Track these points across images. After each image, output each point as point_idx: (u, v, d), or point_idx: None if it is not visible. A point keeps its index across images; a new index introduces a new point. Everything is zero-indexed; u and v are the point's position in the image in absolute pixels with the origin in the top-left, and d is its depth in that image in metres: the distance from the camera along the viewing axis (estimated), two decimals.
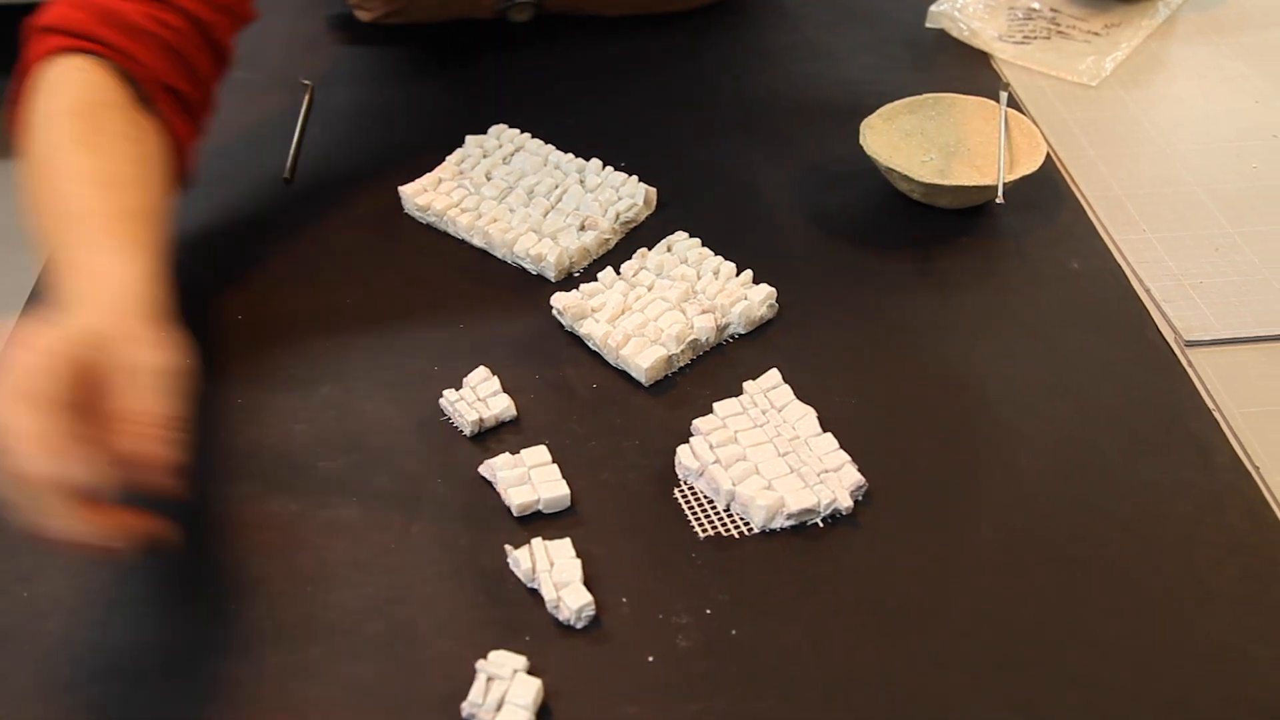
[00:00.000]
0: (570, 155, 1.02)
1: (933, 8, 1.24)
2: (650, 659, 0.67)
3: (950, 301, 0.91)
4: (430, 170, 1.02)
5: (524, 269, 0.94)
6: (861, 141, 0.99)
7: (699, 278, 0.90)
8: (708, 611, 0.70)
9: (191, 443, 0.79)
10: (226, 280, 0.93)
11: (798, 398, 0.81)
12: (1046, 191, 1.01)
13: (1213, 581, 0.71)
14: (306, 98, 1.12)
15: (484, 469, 0.78)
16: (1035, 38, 1.22)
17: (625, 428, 0.81)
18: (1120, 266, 0.94)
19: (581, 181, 0.99)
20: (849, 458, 0.77)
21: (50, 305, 0.69)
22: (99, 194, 0.75)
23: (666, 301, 0.87)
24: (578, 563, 0.71)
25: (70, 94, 0.80)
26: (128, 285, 0.69)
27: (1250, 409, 0.82)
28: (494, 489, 0.77)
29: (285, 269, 0.94)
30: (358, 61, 1.19)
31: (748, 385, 0.82)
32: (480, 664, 0.66)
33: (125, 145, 0.80)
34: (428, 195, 0.98)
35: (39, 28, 0.84)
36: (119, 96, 0.82)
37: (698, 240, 0.93)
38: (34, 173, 0.78)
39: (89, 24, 0.82)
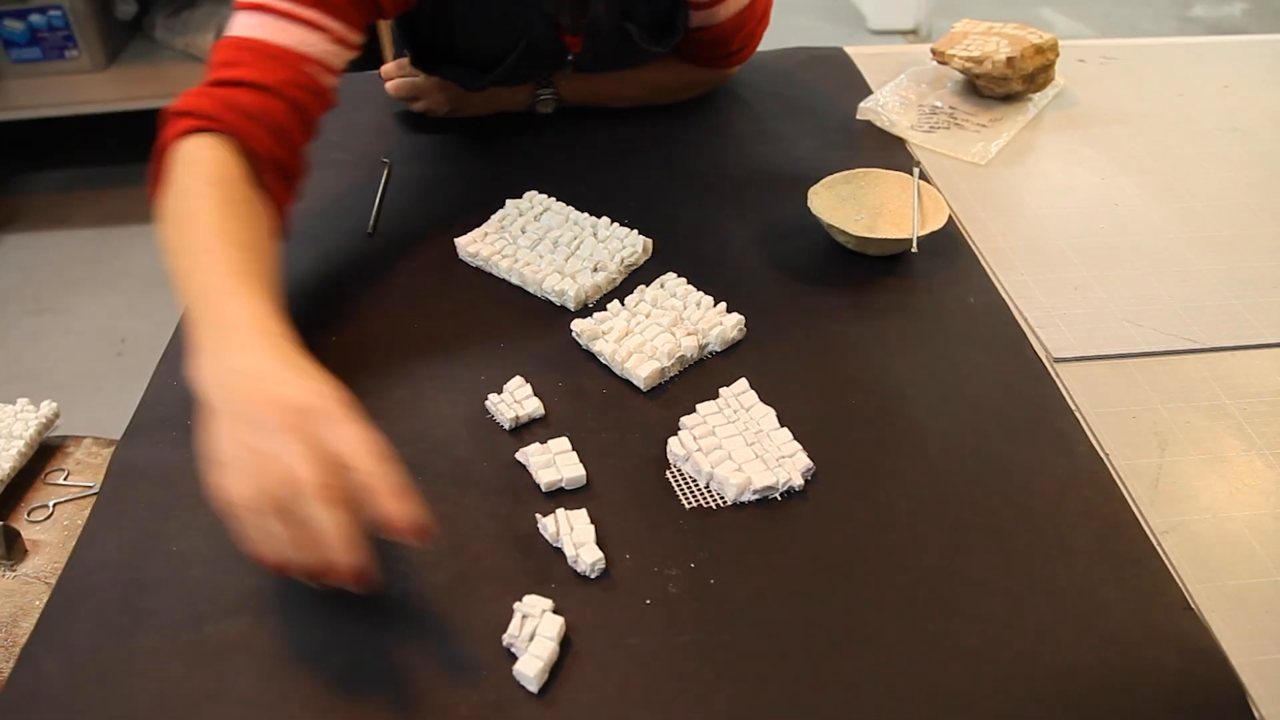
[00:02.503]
0: (586, 214, 1.02)
1: (861, 104, 1.24)
2: (648, 601, 0.67)
3: (877, 327, 0.90)
4: (479, 226, 1.01)
5: (550, 301, 0.93)
6: (808, 204, 0.98)
7: (685, 308, 0.89)
8: (692, 565, 0.69)
9: None
10: (323, 310, 0.92)
11: (761, 400, 0.81)
12: (949, 244, 1.01)
13: (1072, 540, 0.71)
14: (386, 171, 1.12)
15: (519, 455, 0.77)
16: (938, 128, 1.22)
17: (628, 423, 0.81)
18: (1004, 300, 0.94)
19: (594, 234, 0.99)
20: (800, 447, 0.76)
21: (207, 341, 0.67)
22: (244, 255, 0.74)
23: (660, 326, 0.87)
24: (591, 527, 0.71)
25: (206, 167, 0.79)
26: (286, 342, 0.67)
27: (1102, 410, 0.82)
28: (527, 470, 0.76)
29: (367, 302, 0.94)
30: (424, 144, 1.19)
31: (723, 391, 0.82)
32: (517, 605, 0.66)
33: (252, 213, 0.80)
34: (476, 245, 0.98)
35: (174, 112, 0.83)
36: (240, 171, 0.81)
37: (684, 279, 0.93)
38: (180, 230, 0.77)
39: (216, 109, 0.82)
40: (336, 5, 0.90)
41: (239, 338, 0.66)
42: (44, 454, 1.04)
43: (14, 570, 0.94)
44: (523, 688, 0.62)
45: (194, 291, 0.72)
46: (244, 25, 0.88)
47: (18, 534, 0.95)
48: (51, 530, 0.97)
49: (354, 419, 0.61)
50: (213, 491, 0.61)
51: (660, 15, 1.12)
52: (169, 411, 0.82)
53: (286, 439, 0.59)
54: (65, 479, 1.02)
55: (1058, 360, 0.87)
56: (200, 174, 0.79)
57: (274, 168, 0.85)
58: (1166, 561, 0.70)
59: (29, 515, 0.99)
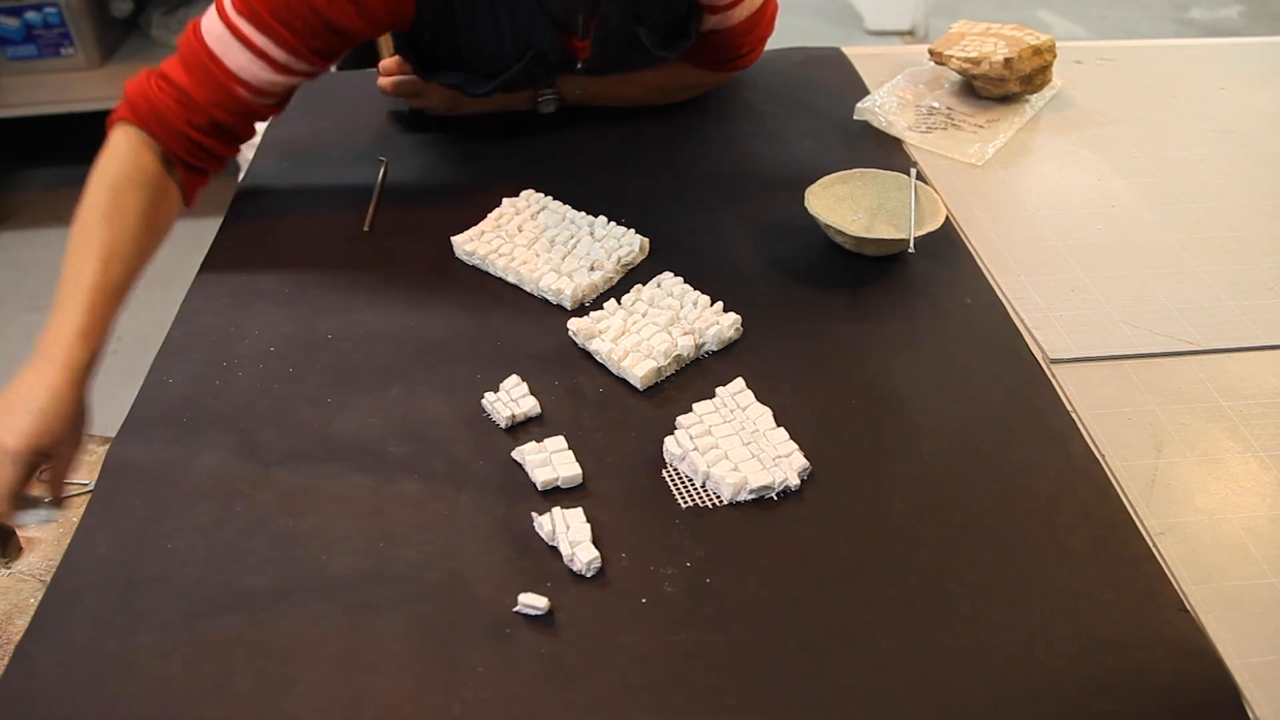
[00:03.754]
0: (583, 213, 1.02)
1: (859, 104, 1.24)
2: (643, 600, 0.67)
3: (873, 327, 0.90)
4: (476, 224, 1.01)
5: (547, 300, 0.93)
6: (806, 204, 0.98)
7: (682, 307, 0.89)
8: (688, 564, 0.69)
9: (290, 433, 0.80)
10: (319, 308, 0.92)
11: (758, 400, 0.81)
12: (946, 244, 1.01)
13: (1068, 541, 0.71)
14: (382, 170, 1.12)
15: (515, 454, 0.77)
16: (936, 129, 1.22)
17: (625, 422, 0.81)
18: (1001, 301, 0.94)
19: (591, 233, 0.99)
20: (797, 446, 0.76)
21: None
22: (99, 269, 0.84)
23: (657, 325, 0.87)
24: (587, 526, 0.71)
25: (113, 166, 0.92)
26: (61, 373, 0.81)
27: (1097, 410, 0.82)
28: (523, 469, 0.76)
29: (364, 298, 0.93)
30: (421, 142, 1.19)
31: (719, 390, 0.82)
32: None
33: (136, 223, 0.89)
34: (473, 243, 0.98)
35: (128, 88, 0.95)
36: (150, 173, 0.93)
37: (681, 278, 0.93)
38: (72, 235, 0.87)
39: (142, 108, 0.93)
40: (286, 38, 0.93)
41: (31, 360, 0.82)
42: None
43: (8, 568, 0.94)
44: (522, 684, 0.62)
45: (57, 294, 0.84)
46: (208, 27, 0.94)
47: (12, 532, 0.94)
48: (46, 528, 0.97)
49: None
50: None
51: (673, 20, 1.12)
52: (164, 409, 0.82)
53: None
54: None
55: (1054, 361, 0.87)
56: (104, 174, 0.91)
57: (184, 166, 0.95)
58: (1162, 563, 0.70)
59: None
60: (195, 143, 0.95)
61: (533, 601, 0.66)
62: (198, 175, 0.98)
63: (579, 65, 1.14)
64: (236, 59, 0.92)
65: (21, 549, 0.95)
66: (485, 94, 1.14)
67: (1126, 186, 1.13)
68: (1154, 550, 0.71)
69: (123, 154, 0.92)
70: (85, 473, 1.02)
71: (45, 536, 0.96)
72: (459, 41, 1.09)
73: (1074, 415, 0.82)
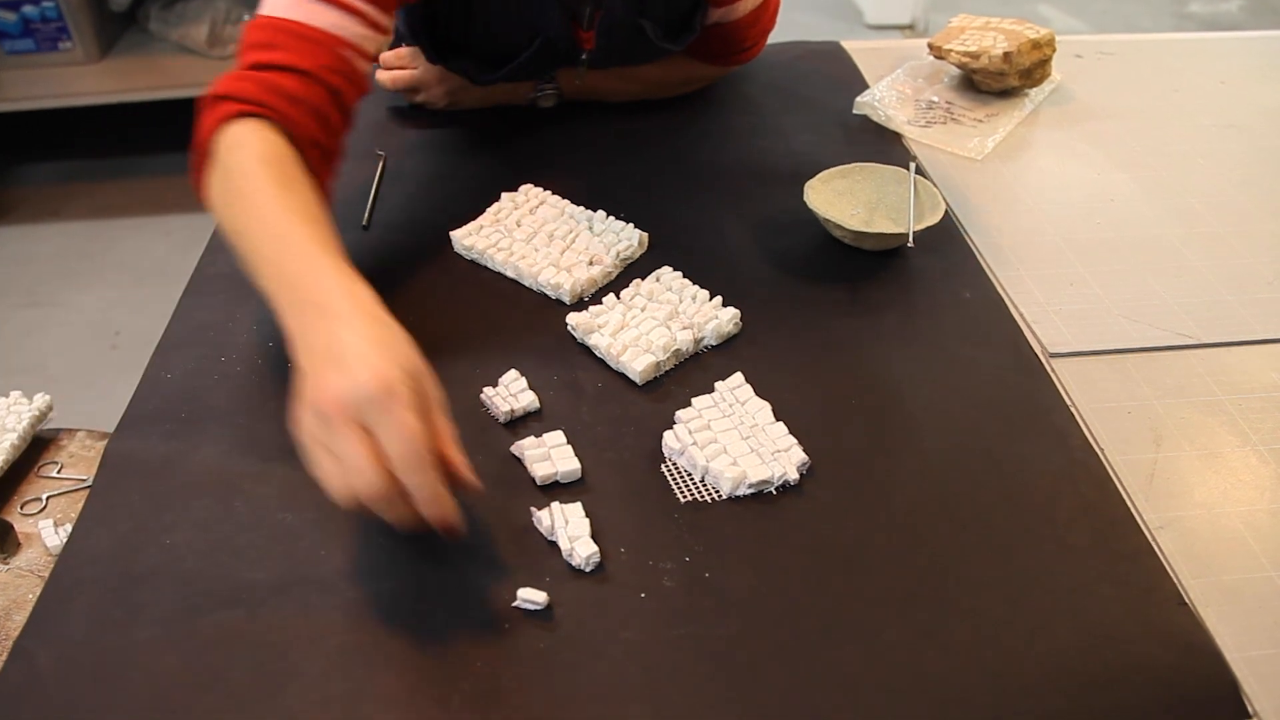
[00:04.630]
0: (582, 208, 1.02)
1: (858, 98, 1.24)
2: (642, 595, 0.67)
3: (872, 322, 0.90)
4: (474, 219, 1.01)
5: (545, 295, 0.93)
6: (805, 198, 0.98)
7: (681, 302, 0.89)
8: (687, 559, 0.69)
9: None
10: None
11: (757, 395, 0.81)
12: (945, 238, 1.01)
13: (1068, 537, 0.71)
14: (381, 164, 1.12)
15: (514, 448, 0.77)
16: (935, 123, 1.22)
17: (623, 417, 0.81)
18: (1001, 296, 0.94)
19: (590, 228, 0.99)
20: (796, 441, 0.76)
21: (300, 325, 0.67)
22: (315, 229, 0.73)
23: (655, 320, 0.87)
24: (586, 521, 0.71)
25: (254, 148, 0.79)
26: (380, 309, 0.68)
27: (1097, 405, 0.82)
28: (522, 464, 0.76)
29: None
30: (420, 137, 1.19)
31: (718, 385, 0.82)
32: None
33: (309, 187, 0.79)
34: (472, 238, 0.98)
35: (214, 97, 0.82)
36: (288, 152, 0.80)
37: (680, 273, 0.93)
38: (241, 212, 0.76)
39: (258, 93, 0.81)
40: None
41: (328, 316, 0.66)
42: (37, 447, 1.04)
43: (7, 564, 0.94)
44: (521, 678, 0.62)
45: (273, 274, 0.71)
46: (277, 5, 0.86)
47: (10, 527, 0.94)
48: (45, 524, 0.97)
49: (406, 408, 0.61)
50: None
51: (678, 12, 1.11)
52: (162, 404, 0.82)
53: (347, 440, 0.60)
54: (59, 472, 1.02)
55: (1053, 355, 0.87)
56: (250, 155, 0.78)
57: (316, 151, 0.84)
58: (1161, 556, 0.70)
59: (22, 508, 0.98)
60: (320, 114, 0.84)
61: (531, 596, 0.66)
62: (324, 164, 0.86)
63: (584, 56, 1.13)
64: (325, 18, 0.86)
65: (20, 544, 0.95)
66: (493, 81, 1.14)
67: (1126, 181, 1.13)
68: (1153, 544, 0.71)
69: (251, 140, 0.80)
70: (83, 468, 1.02)
71: (44, 532, 0.96)
72: (471, 24, 1.09)
73: (1073, 410, 0.82)
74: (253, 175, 0.76)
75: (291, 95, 0.82)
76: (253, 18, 0.88)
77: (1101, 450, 0.78)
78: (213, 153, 0.80)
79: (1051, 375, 0.85)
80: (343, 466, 0.61)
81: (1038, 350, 0.88)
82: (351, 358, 0.62)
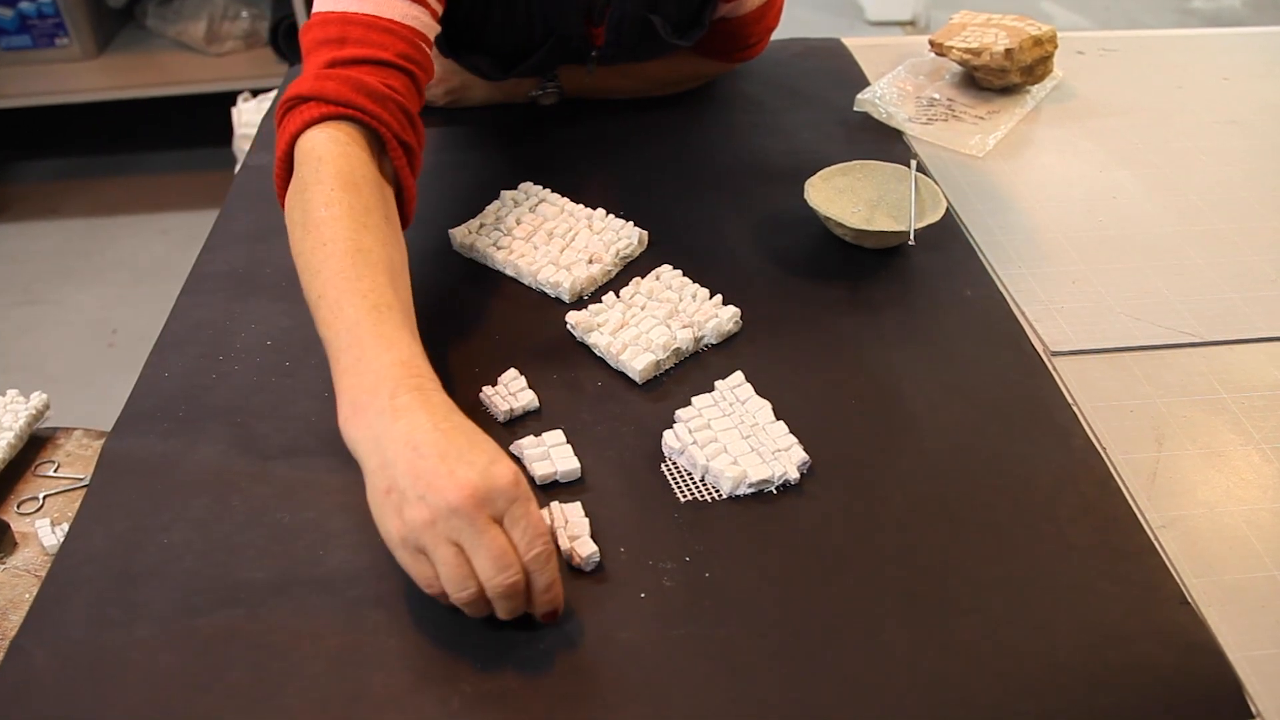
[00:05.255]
0: (581, 206, 1.01)
1: (859, 95, 1.24)
2: (642, 595, 0.67)
3: (873, 320, 0.90)
4: (474, 217, 1.01)
5: (545, 293, 0.93)
6: (805, 196, 0.98)
7: (680, 300, 0.89)
8: (687, 559, 0.69)
9: (288, 427, 0.80)
10: None
11: (757, 394, 0.80)
12: (946, 236, 1.01)
13: (1069, 535, 0.71)
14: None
15: (514, 447, 0.77)
16: (936, 120, 1.22)
17: (623, 416, 0.81)
18: (1002, 294, 0.94)
19: (589, 226, 0.99)
20: (796, 440, 0.76)
21: (353, 390, 0.65)
22: (382, 281, 0.70)
23: (655, 318, 0.87)
24: (586, 521, 0.71)
25: (335, 165, 0.75)
26: (441, 395, 0.65)
27: (1099, 404, 0.82)
28: (522, 463, 0.76)
29: None
30: None
31: (718, 384, 0.82)
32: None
33: (386, 220, 0.76)
34: (471, 236, 0.98)
35: (296, 99, 0.78)
36: (369, 166, 0.77)
37: (679, 271, 0.93)
38: (313, 244, 0.72)
39: (343, 92, 0.77)
40: None
41: (393, 396, 0.63)
42: (34, 446, 1.04)
43: (3, 563, 0.94)
44: (521, 678, 0.62)
45: (336, 327, 0.68)
46: (341, 2, 0.83)
47: (7, 526, 0.94)
48: (42, 524, 0.97)
49: (529, 501, 0.61)
50: (402, 565, 0.63)
51: (688, 9, 1.11)
52: (160, 403, 0.82)
53: (488, 531, 0.60)
54: (56, 471, 1.02)
55: (1055, 354, 0.87)
56: (330, 174, 0.74)
57: (400, 149, 0.81)
58: (1163, 556, 0.70)
59: (19, 507, 0.98)
60: (405, 108, 0.81)
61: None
62: (410, 163, 0.82)
63: (594, 53, 1.13)
64: (394, 8, 0.83)
65: (16, 544, 0.95)
66: (505, 78, 1.14)
67: (1129, 178, 1.13)
68: (1155, 544, 0.71)
69: (333, 154, 0.75)
70: (80, 467, 1.02)
71: (40, 532, 0.96)
72: (489, 19, 1.08)
73: (1075, 408, 0.82)
74: (331, 203, 0.73)
75: (376, 92, 0.79)
76: (310, 16, 0.85)
77: (1103, 449, 0.78)
78: (294, 162, 0.78)
79: (1053, 373, 0.85)
80: (478, 559, 0.60)
81: (1039, 348, 0.88)
82: (468, 454, 0.61)
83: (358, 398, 0.64)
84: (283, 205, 0.80)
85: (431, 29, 0.87)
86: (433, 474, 0.60)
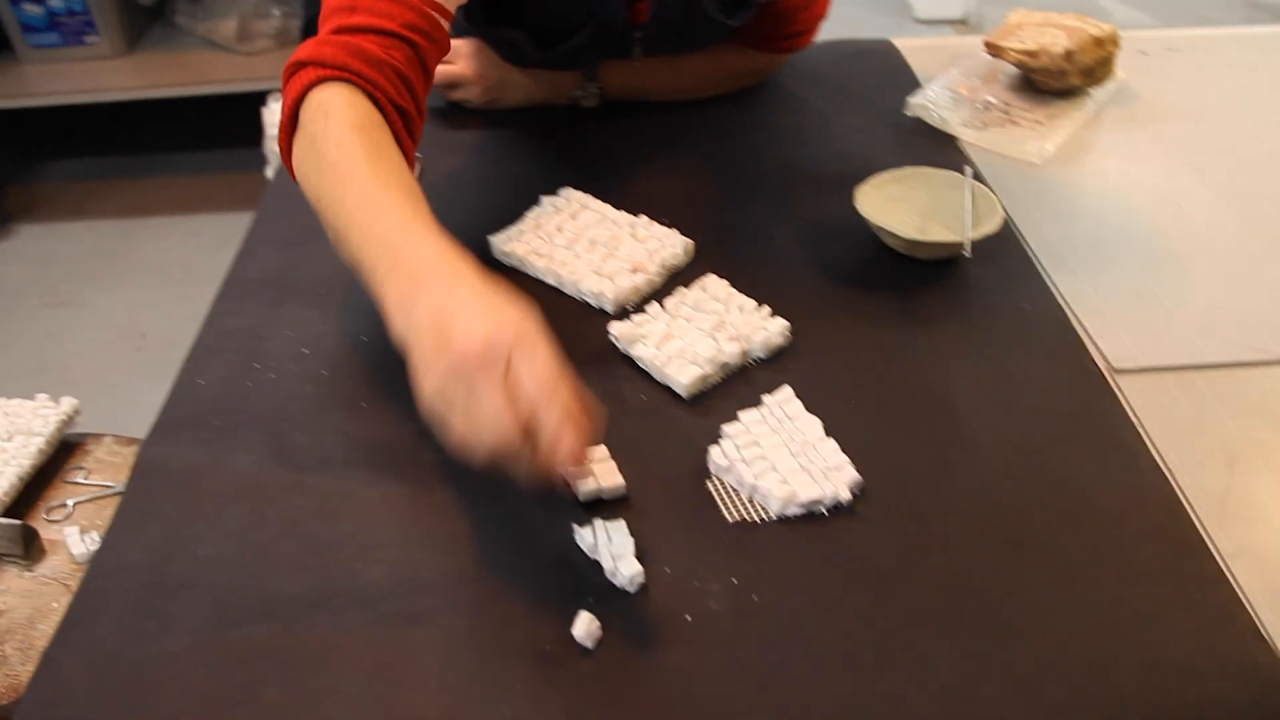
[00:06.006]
0: (625, 213, 1.02)
1: (911, 99, 1.24)
2: (688, 618, 0.67)
3: (927, 334, 0.90)
4: (514, 223, 1.02)
5: (587, 303, 0.94)
6: (855, 204, 0.98)
7: (728, 312, 0.89)
8: (734, 580, 0.69)
9: (324, 437, 0.80)
10: (355, 306, 0.93)
11: (806, 410, 0.80)
12: (1003, 247, 1.00)
13: (1135, 561, 0.70)
14: (418, 166, 1.13)
15: None
16: (992, 125, 1.21)
17: (668, 431, 0.81)
18: (1062, 307, 0.93)
19: (633, 234, 0.99)
20: (848, 459, 0.76)
21: (396, 293, 0.69)
22: (408, 199, 0.74)
23: (701, 330, 0.87)
24: (630, 539, 0.71)
25: (342, 114, 0.79)
26: (478, 274, 0.69)
27: (1166, 424, 0.82)
28: (563, 478, 0.77)
29: None
30: (457, 138, 1.20)
31: (766, 399, 0.82)
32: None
33: (398, 155, 0.80)
34: (512, 243, 0.99)
35: (297, 63, 0.83)
36: (373, 117, 0.81)
37: (726, 281, 0.93)
38: (331, 181, 0.77)
39: (340, 57, 0.81)
40: None
41: (431, 284, 0.68)
42: (63, 451, 1.06)
43: (31, 570, 0.95)
44: (562, 702, 0.62)
45: (369, 243, 0.73)
46: None
47: (35, 533, 0.96)
48: (71, 532, 0.98)
49: (544, 345, 0.64)
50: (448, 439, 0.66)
51: None
52: (195, 410, 0.83)
53: (486, 388, 0.62)
54: (85, 478, 1.04)
55: (1118, 371, 0.86)
56: (338, 122, 0.79)
57: (399, 116, 0.84)
58: (1235, 586, 0.69)
59: (47, 514, 1.00)
60: (403, 76, 0.84)
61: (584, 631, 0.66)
62: (407, 129, 0.85)
63: (637, 34, 1.13)
64: None
65: (45, 551, 0.96)
66: (543, 63, 1.15)
67: (1196, 185, 1.12)
68: (1227, 573, 0.70)
69: (338, 105, 0.80)
70: (110, 474, 1.04)
71: (69, 539, 0.97)
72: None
73: (1140, 428, 0.81)
74: (342, 144, 0.77)
75: (373, 58, 0.82)
76: None
77: (1170, 471, 0.77)
78: (298, 120, 0.82)
79: (1117, 392, 0.84)
80: (475, 421, 0.63)
81: (1101, 365, 0.87)
82: (476, 312, 0.65)
83: (402, 297, 0.69)
84: (289, 166, 0.84)
85: (452, 0, 0.90)
86: (447, 333, 0.64)
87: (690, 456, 0.78)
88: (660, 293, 0.94)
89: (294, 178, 0.83)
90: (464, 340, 0.63)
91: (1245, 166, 1.15)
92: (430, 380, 0.65)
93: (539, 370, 0.63)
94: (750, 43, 1.22)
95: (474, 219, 1.04)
